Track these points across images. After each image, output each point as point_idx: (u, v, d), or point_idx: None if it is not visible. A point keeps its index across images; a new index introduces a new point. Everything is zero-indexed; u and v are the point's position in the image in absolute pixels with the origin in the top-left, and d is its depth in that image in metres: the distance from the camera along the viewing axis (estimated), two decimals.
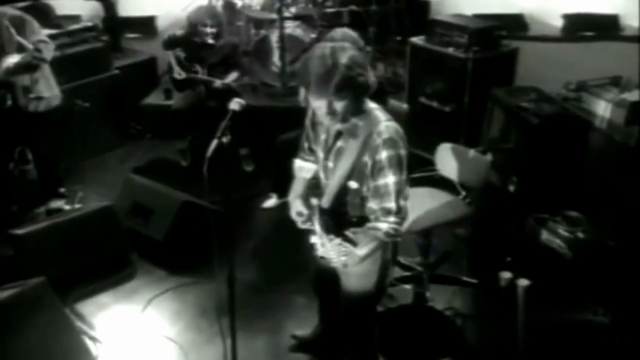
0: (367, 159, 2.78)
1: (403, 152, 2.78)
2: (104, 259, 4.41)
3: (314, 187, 3.12)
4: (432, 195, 4.07)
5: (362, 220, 2.89)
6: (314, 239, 2.98)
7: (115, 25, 7.14)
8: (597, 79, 5.48)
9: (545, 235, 4.09)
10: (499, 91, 4.80)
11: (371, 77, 2.72)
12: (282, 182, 3.35)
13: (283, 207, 3.69)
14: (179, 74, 5.41)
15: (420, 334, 3.92)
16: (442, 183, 4.23)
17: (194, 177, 3.24)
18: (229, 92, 4.92)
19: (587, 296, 3.85)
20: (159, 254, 4.55)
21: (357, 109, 2.77)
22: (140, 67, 6.72)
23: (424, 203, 3.92)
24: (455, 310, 4.02)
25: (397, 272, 4.20)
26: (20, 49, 4.47)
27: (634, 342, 3.54)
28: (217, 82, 5.33)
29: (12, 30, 4.44)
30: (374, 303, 3.28)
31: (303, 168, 3.20)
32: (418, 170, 4.71)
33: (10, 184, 5.20)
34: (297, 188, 3.19)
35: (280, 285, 4.34)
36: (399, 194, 2.78)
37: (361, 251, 2.84)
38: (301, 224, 3.06)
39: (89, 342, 3.71)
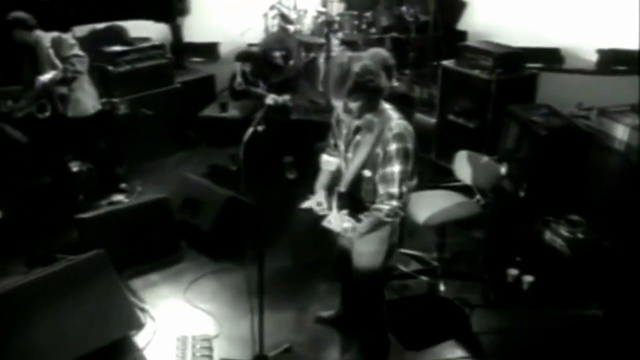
0: (379, 150, 3.15)
1: (410, 146, 3.14)
2: (156, 243, 4.74)
3: (337, 178, 3.47)
4: (447, 196, 4.39)
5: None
6: (328, 217, 3.31)
7: (180, 47, 7.69)
8: (619, 105, 5.68)
9: (548, 235, 4.33)
10: (515, 107, 5.06)
11: (383, 82, 3.09)
12: None
13: None
14: (239, 85, 5.84)
15: (430, 319, 4.20)
16: (463, 190, 4.53)
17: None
18: (283, 108, 5.36)
19: (583, 291, 4.08)
20: (204, 242, 4.88)
21: (371, 108, 3.15)
22: (200, 83, 7.18)
23: (439, 202, 4.27)
24: (464, 301, 4.28)
25: (414, 266, 4.59)
26: (55, 66, 5.09)
27: (624, 332, 3.74)
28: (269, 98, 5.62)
29: (51, 51, 5.07)
30: (381, 281, 3.62)
31: (329, 162, 3.56)
32: (445, 180, 5.06)
33: (77, 179, 5.61)
34: (322, 179, 3.56)
35: (309, 273, 4.61)
36: (402, 181, 3.14)
37: (362, 228, 3.19)
38: (319, 212, 3.39)
39: (138, 312, 4.04)
